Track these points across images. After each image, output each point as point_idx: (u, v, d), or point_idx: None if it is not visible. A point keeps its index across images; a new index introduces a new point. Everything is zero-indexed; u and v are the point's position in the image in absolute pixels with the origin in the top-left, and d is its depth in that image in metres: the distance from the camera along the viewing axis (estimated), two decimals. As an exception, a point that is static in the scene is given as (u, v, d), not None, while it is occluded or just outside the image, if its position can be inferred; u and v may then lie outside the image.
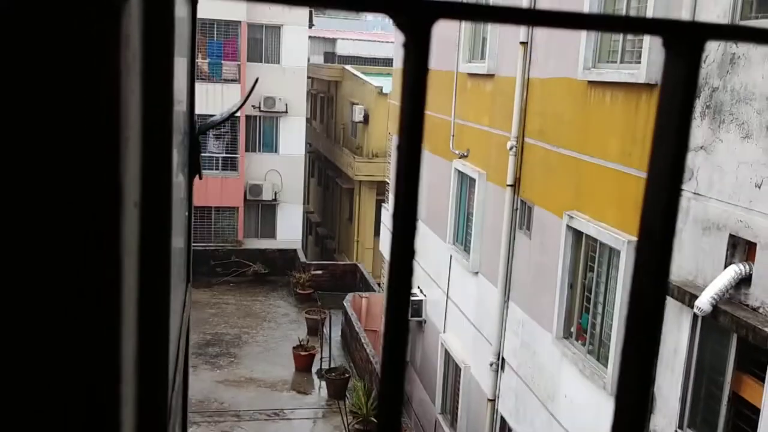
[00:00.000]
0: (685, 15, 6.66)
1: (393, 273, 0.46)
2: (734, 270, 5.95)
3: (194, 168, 1.70)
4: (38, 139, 0.47)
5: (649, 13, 7.22)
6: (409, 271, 0.45)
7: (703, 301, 6.02)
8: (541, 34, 9.80)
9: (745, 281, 5.93)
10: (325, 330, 18.06)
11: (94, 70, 0.46)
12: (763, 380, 5.79)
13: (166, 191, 0.77)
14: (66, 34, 0.45)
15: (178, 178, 1.43)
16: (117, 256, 0.50)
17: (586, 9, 8.43)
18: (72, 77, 0.45)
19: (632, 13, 7.89)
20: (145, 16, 0.62)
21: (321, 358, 17.29)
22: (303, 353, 17.38)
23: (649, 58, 7.15)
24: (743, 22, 6.13)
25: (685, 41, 0.48)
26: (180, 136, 1.42)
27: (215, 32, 24.81)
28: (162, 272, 0.76)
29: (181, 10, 1.27)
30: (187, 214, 1.68)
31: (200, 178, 1.76)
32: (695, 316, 6.39)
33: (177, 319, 1.31)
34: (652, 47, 7.13)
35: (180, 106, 1.37)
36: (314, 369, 17.45)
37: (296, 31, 25.60)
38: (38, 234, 0.48)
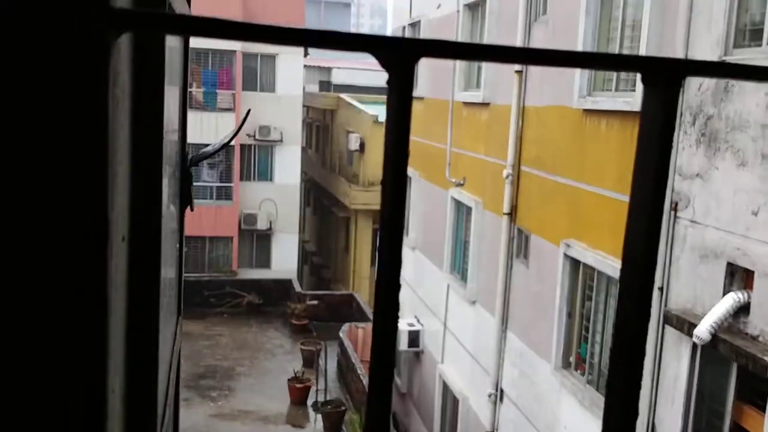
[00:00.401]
0: (678, 44, 6.74)
1: (380, 295, 0.46)
2: (732, 298, 5.93)
3: (185, 199, 1.70)
4: (25, 174, 0.47)
5: (643, 42, 7.30)
6: (395, 290, 0.45)
7: (702, 330, 5.98)
8: (535, 64, 9.89)
9: (743, 309, 5.91)
10: (320, 361, 17.91)
11: (82, 107, 0.46)
12: (763, 410, 5.74)
13: (156, 225, 0.77)
14: (55, 72, 0.45)
15: (170, 209, 1.42)
16: (103, 291, 0.49)
17: (579, 39, 8.53)
18: (60, 113, 0.45)
19: (626, 41, 7.98)
20: (136, 53, 0.62)
21: (317, 391, 17.11)
22: (298, 385, 17.20)
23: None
24: (736, 50, 6.19)
25: (663, 77, 0.48)
26: (172, 167, 1.42)
27: (210, 61, 25.00)
28: (151, 307, 0.75)
29: (173, 41, 1.28)
30: (178, 246, 1.67)
31: (191, 209, 1.76)
32: (695, 345, 6.35)
33: (167, 352, 1.30)
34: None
35: (172, 136, 1.37)
36: (310, 401, 17.26)
37: (291, 60, 25.81)
38: (25, 268, 0.48)
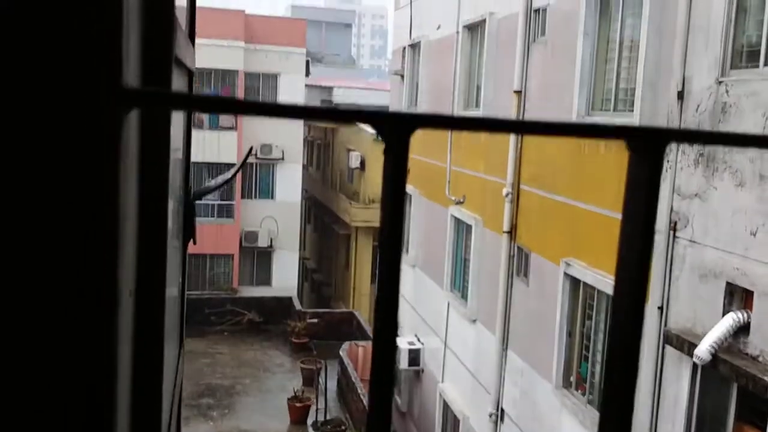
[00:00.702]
0: (676, 65, 6.78)
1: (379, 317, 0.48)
2: (732, 318, 5.94)
3: (188, 234, 1.72)
4: (40, 240, 0.49)
5: (641, 63, 7.35)
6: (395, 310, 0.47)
7: (702, 350, 5.98)
8: (535, 82, 9.96)
9: (743, 329, 5.91)
10: (320, 380, 17.83)
11: (94, 181, 0.48)
12: (764, 431, 5.73)
13: (161, 280, 0.79)
14: (68, 148, 0.48)
15: (173, 245, 1.45)
16: (113, 345, 0.52)
17: (578, 60, 8.59)
18: (72, 187, 0.48)
19: (624, 62, 8.04)
20: (143, 121, 0.65)
21: (317, 410, 17.02)
22: (298, 404, 17.12)
23: (642, 106, 7.26)
24: (733, 71, 6.24)
25: (646, 145, 0.50)
26: (175, 203, 1.45)
27: (212, 81, 25.15)
28: (155, 356, 0.77)
29: (177, 82, 1.31)
30: (180, 279, 1.70)
31: (194, 243, 1.78)
32: (695, 365, 6.34)
33: (169, 387, 1.32)
34: (644, 95, 7.25)
35: (176, 172, 1.40)
36: (309, 421, 17.16)
37: (293, 80, 25.96)
38: (39, 326, 0.50)
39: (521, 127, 0.51)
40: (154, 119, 0.72)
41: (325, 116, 0.51)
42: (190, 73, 1.62)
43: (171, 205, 1.25)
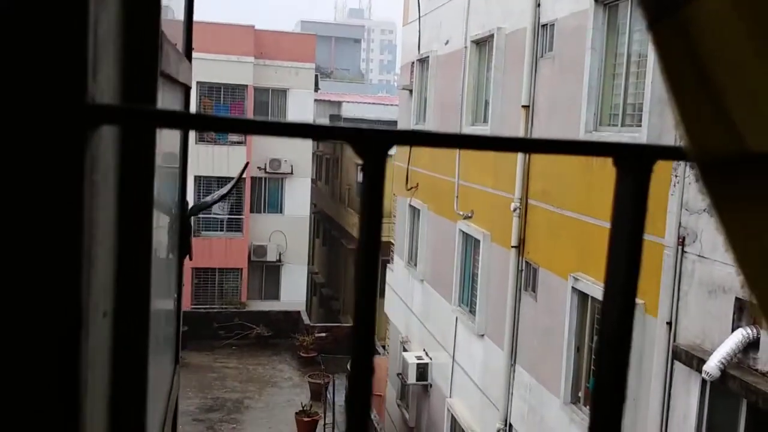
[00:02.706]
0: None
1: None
2: (741, 334, 5.88)
3: (184, 250, 1.71)
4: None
5: (648, 78, 7.33)
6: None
7: (711, 366, 5.92)
8: (543, 97, 9.95)
9: (753, 345, 5.85)
10: (328, 395, 17.76)
11: (55, 197, 0.47)
12: (775, 448, 5.65)
13: (144, 293, 0.78)
14: (32, 164, 0.47)
15: (169, 260, 1.44)
16: (76, 371, 0.50)
17: (585, 75, 8.58)
18: (34, 202, 0.47)
19: (632, 77, 8.02)
20: (123, 139, 0.64)
21: (324, 425, 16.95)
22: (306, 419, 17.05)
23: (650, 121, 7.23)
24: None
25: (634, 163, 0.49)
26: (171, 217, 1.43)
27: (222, 96, 25.29)
28: (138, 381, 0.76)
29: (172, 98, 1.31)
30: (176, 296, 1.68)
31: (190, 259, 1.77)
32: (704, 381, 6.27)
33: (161, 405, 1.30)
34: (652, 110, 7.22)
35: (170, 188, 1.39)
36: (318, 435, 17.09)
37: (302, 94, 26.08)
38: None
39: (503, 144, 0.50)
40: (135, 134, 0.71)
41: (298, 133, 0.51)
42: (185, 89, 1.61)
43: (164, 220, 1.24)
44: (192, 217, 1.88)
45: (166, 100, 1.18)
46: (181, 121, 0.43)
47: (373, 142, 0.49)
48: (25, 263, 0.48)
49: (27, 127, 0.45)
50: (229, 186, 2.66)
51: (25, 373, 0.49)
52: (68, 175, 0.47)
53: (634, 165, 0.50)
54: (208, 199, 2.39)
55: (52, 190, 0.47)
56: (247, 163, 3.61)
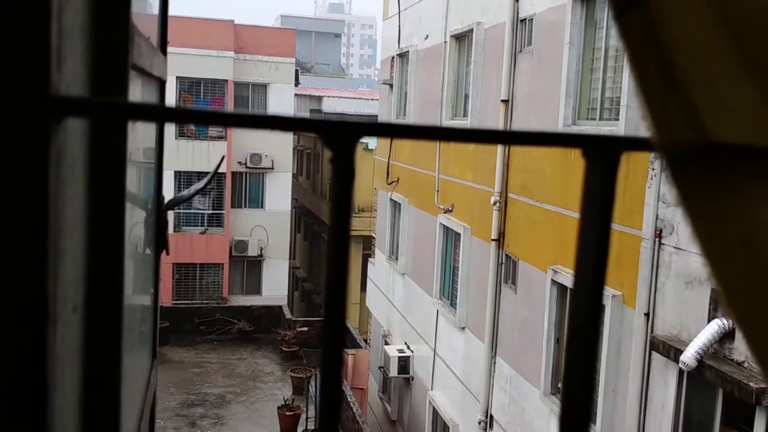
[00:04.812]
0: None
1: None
2: (717, 324, 5.96)
3: (161, 244, 1.70)
4: None
5: (625, 72, 7.39)
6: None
7: (688, 356, 6.00)
8: (522, 91, 10.00)
9: (728, 335, 5.94)
10: (311, 389, 17.76)
11: (19, 189, 0.47)
12: (751, 437, 5.74)
13: (117, 286, 0.77)
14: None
15: (144, 254, 1.42)
16: (43, 364, 0.50)
17: (564, 69, 8.63)
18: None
19: (609, 71, 8.08)
20: (93, 134, 0.63)
21: (306, 418, 16.95)
22: (288, 413, 17.04)
23: (627, 115, 7.29)
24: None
25: (602, 153, 0.49)
26: (146, 212, 1.42)
27: (202, 90, 25.10)
28: (111, 375, 0.75)
29: (147, 93, 1.30)
30: (153, 290, 1.67)
31: (167, 253, 1.76)
32: (681, 371, 6.36)
33: (137, 401, 1.29)
34: (630, 104, 7.28)
35: (144, 182, 1.38)
36: (300, 429, 17.09)
37: (282, 89, 25.96)
38: None
39: (476, 136, 0.51)
40: (104, 127, 0.70)
41: (267, 125, 0.51)
42: (160, 83, 1.60)
43: (139, 214, 1.23)
44: (169, 212, 1.87)
45: (140, 93, 1.16)
46: (147, 113, 0.43)
47: (342, 134, 0.49)
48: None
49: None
50: (205, 180, 2.66)
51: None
52: (32, 168, 0.46)
53: (602, 156, 0.50)
54: (185, 193, 2.38)
55: (14, 182, 0.46)
56: (224, 157, 3.60)
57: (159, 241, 1.64)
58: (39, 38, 0.47)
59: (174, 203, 2.03)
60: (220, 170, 24.31)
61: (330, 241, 0.52)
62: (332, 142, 0.49)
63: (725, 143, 0.50)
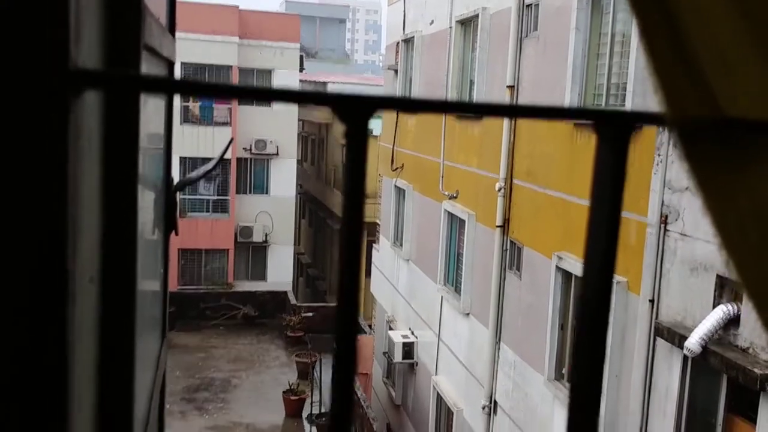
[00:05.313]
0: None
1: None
2: (722, 310, 5.96)
3: (170, 225, 1.71)
4: None
5: (632, 57, 7.35)
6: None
7: (693, 342, 6.01)
8: (528, 77, 9.95)
9: (733, 322, 5.94)
10: (315, 373, 17.86)
11: (40, 163, 0.47)
12: (754, 422, 5.75)
13: (130, 259, 0.78)
14: (11, 124, 0.47)
15: (154, 235, 1.43)
16: (62, 334, 0.51)
17: (570, 55, 8.59)
18: (19, 168, 0.47)
19: (616, 56, 8.04)
20: (107, 108, 0.64)
21: (311, 403, 17.06)
22: (293, 398, 17.15)
23: (633, 101, 7.26)
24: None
25: (613, 128, 0.50)
26: (156, 193, 1.43)
27: (206, 76, 25.05)
28: (126, 343, 0.76)
29: (156, 73, 1.30)
30: (162, 270, 1.69)
31: (176, 234, 1.77)
32: (685, 358, 6.37)
33: (148, 382, 1.30)
34: (636, 90, 7.25)
35: (156, 163, 1.39)
36: (305, 414, 17.20)
37: (287, 75, 25.88)
38: None
39: (485, 110, 0.51)
40: (119, 104, 0.71)
41: (280, 98, 0.51)
42: (169, 64, 1.60)
43: (148, 194, 1.24)
44: (177, 193, 1.88)
45: (150, 73, 1.17)
46: (163, 86, 0.43)
47: (356, 107, 0.49)
48: (12, 227, 0.48)
49: (10, 92, 0.45)
50: (213, 161, 2.66)
51: (12, 335, 0.49)
52: (53, 140, 0.47)
53: (613, 130, 0.51)
54: (193, 174, 2.40)
55: (36, 154, 0.47)
56: (232, 139, 3.60)
57: (168, 221, 1.65)
58: (60, 12, 0.47)
59: (183, 184, 2.05)
60: (225, 156, 24.33)
61: (344, 212, 0.52)
62: (346, 116, 0.50)
63: (737, 118, 0.50)
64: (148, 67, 1.00)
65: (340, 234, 0.54)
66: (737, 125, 0.52)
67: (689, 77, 0.49)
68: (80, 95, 0.52)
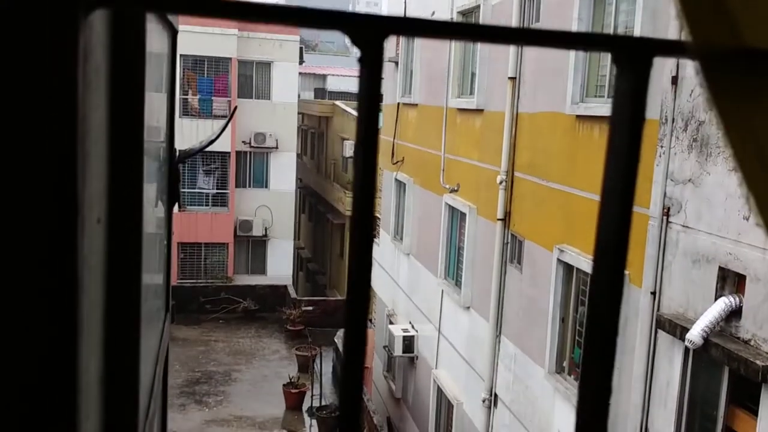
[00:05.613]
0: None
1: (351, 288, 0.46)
2: (724, 302, 5.95)
3: (173, 197, 1.70)
4: None
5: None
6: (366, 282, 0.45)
7: (694, 334, 6.00)
8: (530, 69, 9.93)
9: (735, 314, 5.93)
10: (316, 367, 17.88)
11: (49, 83, 0.46)
12: (756, 414, 5.75)
13: (136, 209, 0.77)
14: (18, 46, 0.45)
15: (157, 208, 1.42)
16: (74, 271, 0.50)
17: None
18: (26, 89, 0.46)
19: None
20: (114, 33, 0.63)
21: (312, 396, 17.09)
22: (293, 391, 17.17)
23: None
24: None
25: (633, 57, 0.48)
26: (159, 164, 1.42)
27: (206, 69, 25.02)
28: (132, 288, 0.75)
29: (159, 41, 1.29)
30: (166, 242, 1.68)
31: (179, 208, 1.76)
32: (687, 349, 6.36)
33: (152, 353, 1.29)
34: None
35: (159, 135, 1.37)
36: (305, 407, 17.22)
37: (286, 68, 25.85)
38: None
39: (503, 35, 0.50)
40: (126, 26, 0.69)
41: (290, 20, 0.49)
42: (173, 33, 1.59)
43: (152, 166, 1.23)
44: (180, 165, 1.87)
45: (155, 41, 1.16)
46: (171, 4, 0.42)
47: (371, 30, 0.48)
48: (21, 156, 0.47)
49: (19, 10, 0.44)
50: (217, 132, 2.65)
51: (20, 272, 0.48)
52: (62, 61, 0.46)
53: (633, 58, 0.49)
54: (196, 145, 2.39)
55: (46, 76, 0.46)
56: (236, 108, 3.58)
57: (172, 193, 1.64)
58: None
59: (185, 155, 2.04)
60: (224, 150, 24.30)
61: (357, 146, 0.51)
62: (360, 39, 0.48)
63: (760, 48, 0.49)
64: (152, 35, 0.99)
65: (354, 157, 0.52)
66: (760, 55, 0.51)
67: (713, 5, 0.48)
68: (88, 17, 0.50)
